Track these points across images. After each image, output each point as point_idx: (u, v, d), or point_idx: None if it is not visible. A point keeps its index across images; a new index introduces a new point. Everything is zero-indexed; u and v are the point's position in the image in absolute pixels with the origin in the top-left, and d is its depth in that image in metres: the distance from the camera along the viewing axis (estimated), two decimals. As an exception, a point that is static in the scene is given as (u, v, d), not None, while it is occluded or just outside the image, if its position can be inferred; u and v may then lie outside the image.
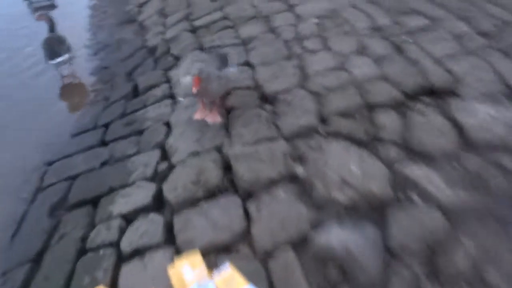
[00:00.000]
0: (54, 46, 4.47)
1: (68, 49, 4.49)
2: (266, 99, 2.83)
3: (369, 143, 2.28)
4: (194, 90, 2.46)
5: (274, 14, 3.97)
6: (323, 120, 2.51)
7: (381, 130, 2.34)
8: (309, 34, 3.46)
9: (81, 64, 4.86)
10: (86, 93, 4.42)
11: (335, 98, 2.63)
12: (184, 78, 3.23)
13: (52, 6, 6.30)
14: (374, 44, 3.14)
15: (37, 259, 2.27)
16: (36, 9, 6.70)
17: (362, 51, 3.09)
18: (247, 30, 3.80)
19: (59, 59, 4.48)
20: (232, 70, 2.92)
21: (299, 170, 2.21)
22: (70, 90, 4.62)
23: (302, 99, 2.69)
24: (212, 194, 2.19)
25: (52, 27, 4.53)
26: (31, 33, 5.78)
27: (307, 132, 2.43)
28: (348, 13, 3.68)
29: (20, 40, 5.84)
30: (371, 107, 2.52)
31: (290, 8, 4.03)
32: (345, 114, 2.49)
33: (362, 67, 2.88)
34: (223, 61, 2.85)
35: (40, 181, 2.97)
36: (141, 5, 5.77)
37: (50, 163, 3.14)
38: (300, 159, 2.27)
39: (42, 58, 4.52)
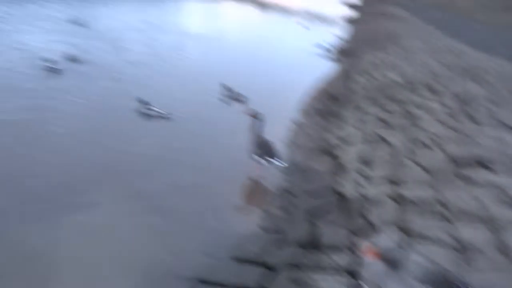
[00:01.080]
0: (271, 147, 4.86)
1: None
2: None
3: None
4: (368, 257, 2.22)
5: (508, 224, 3.17)
6: None
7: None
8: None
9: (267, 177, 4.89)
10: (264, 205, 4.34)
11: None
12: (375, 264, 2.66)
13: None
14: None
15: None
16: (236, 100, 7.66)
17: None
18: (466, 232, 3.09)
19: (277, 161, 4.78)
20: None
21: None
22: (252, 195, 4.68)
23: None
24: None
25: (259, 126, 4.78)
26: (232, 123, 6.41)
27: None
28: None
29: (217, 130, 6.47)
30: None
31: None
32: None
33: None
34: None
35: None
36: (341, 139, 5.68)
37: (203, 281, 2.91)
38: None
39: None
